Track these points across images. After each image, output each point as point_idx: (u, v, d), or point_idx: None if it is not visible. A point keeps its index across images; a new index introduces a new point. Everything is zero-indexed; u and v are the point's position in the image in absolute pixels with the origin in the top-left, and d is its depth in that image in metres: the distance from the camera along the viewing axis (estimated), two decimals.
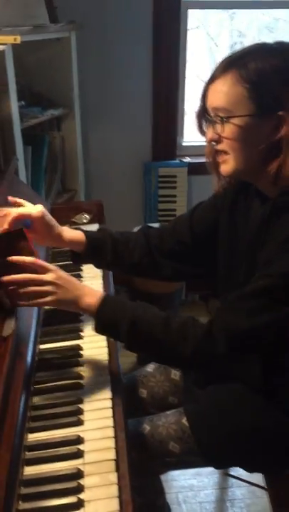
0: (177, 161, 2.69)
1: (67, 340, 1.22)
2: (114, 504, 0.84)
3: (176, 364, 1.28)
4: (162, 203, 2.73)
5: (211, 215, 1.23)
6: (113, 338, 1.15)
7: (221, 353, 0.98)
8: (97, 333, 1.07)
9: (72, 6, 2.30)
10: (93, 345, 1.20)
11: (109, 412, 1.02)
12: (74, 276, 1.47)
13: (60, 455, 0.93)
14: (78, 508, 0.84)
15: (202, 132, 1.09)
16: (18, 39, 1.67)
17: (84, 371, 1.12)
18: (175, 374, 1.37)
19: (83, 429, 0.98)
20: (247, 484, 1.73)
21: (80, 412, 1.02)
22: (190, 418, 1.18)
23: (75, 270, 1.51)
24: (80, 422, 1.00)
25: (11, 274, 1.02)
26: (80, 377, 1.11)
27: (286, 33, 2.76)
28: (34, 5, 2.05)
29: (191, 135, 2.74)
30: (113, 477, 0.89)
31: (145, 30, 2.46)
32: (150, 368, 1.40)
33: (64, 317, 1.27)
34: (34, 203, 1.24)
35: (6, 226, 1.13)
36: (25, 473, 0.90)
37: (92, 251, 1.25)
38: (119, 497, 0.85)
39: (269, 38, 2.72)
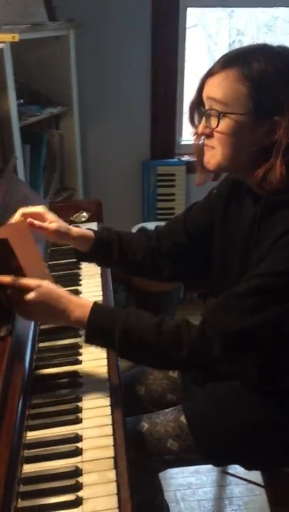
0: (176, 159, 2.70)
1: (66, 338, 1.22)
2: (113, 502, 0.84)
3: (172, 368, 1.29)
4: (161, 202, 2.73)
5: (205, 216, 1.23)
6: (106, 348, 1.13)
7: (215, 354, 0.98)
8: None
9: (71, 6, 2.30)
10: None
11: (108, 410, 1.02)
12: (73, 274, 1.49)
13: (58, 453, 0.93)
14: (77, 506, 0.84)
15: (193, 124, 1.08)
16: (17, 37, 1.67)
17: (82, 369, 1.12)
18: (173, 372, 1.37)
19: (82, 427, 0.98)
20: (245, 482, 1.73)
21: (79, 410, 1.02)
22: (188, 416, 1.19)
23: (74, 268, 1.52)
24: (78, 420, 1.00)
25: None
26: (79, 375, 1.11)
27: (285, 31, 2.76)
28: (33, 4, 2.04)
29: (190, 134, 2.73)
30: (111, 475, 0.89)
31: (144, 28, 2.46)
32: None
33: None
34: (33, 201, 1.24)
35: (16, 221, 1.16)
36: (24, 471, 0.90)
37: (99, 248, 1.25)
38: (118, 495, 0.86)
39: (268, 37, 2.74)
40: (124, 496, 0.85)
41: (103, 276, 1.49)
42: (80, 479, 0.88)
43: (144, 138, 2.67)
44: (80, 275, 1.50)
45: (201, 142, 1.07)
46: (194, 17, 2.66)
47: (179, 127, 2.71)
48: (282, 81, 0.95)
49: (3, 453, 0.83)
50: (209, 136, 1.03)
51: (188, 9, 2.51)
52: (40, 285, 1.00)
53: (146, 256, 1.27)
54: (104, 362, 1.14)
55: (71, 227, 1.25)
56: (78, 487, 0.87)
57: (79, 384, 1.09)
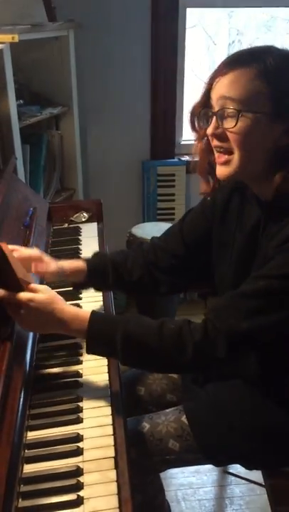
0: (176, 159, 2.70)
1: (67, 338, 1.22)
2: (114, 501, 0.84)
3: (177, 372, 1.29)
4: (161, 202, 2.74)
5: (202, 224, 1.23)
6: (109, 357, 1.12)
7: (220, 355, 0.97)
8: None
9: (71, 6, 2.30)
10: None
11: (109, 410, 1.02)
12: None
13: (59, 453, 0.93)
14: (78, 506, 0.84)
15: (194, 127, 1.06)
16: (16, 38, 1.67)
17: (83, 369, 1.12)
18: None
19: (82, 427, 0.98)
20: (246, 482, 1.73)
21: (79, 410, 1.02)
22: (189, 416, 1.18)
23: None
24: (79, 420, 1.00)
25: None
26: (79, 375, 1.11)
27: (284, 31, 2.76)
28: (33, 4, 2.05)
29: (190, 134, 2.73)
30: (112, 475, 0.89)
31: (143, 28, 2.46)
32: None
33: None
34: (33, 201, 1.24)
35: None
36: (24, 471, 0.90)
37: (93, 277, 1.26)
38: (119, 494, 0.86)
39: (267, 37, 2.74)
40: (124, 495, 0.85)
41: None
42: (81, 479, 0.88)
43: (144, 138, 2.67)
44: None
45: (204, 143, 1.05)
46: (194, 17, 2.66)
47: (179, 127, 2.71)
48: None
49: (3, 453, 0.83)
50: (221, 138, 0.99)
51: (188, 9, 2.51)
52: (32, 299, 0.99)
53: (143, 274, 1.27)
54: (105, 362, 1.14)
55: (63, 263, 1.24)
56: (79, 487, 0.87)
57: (79, 384, 1.09)
